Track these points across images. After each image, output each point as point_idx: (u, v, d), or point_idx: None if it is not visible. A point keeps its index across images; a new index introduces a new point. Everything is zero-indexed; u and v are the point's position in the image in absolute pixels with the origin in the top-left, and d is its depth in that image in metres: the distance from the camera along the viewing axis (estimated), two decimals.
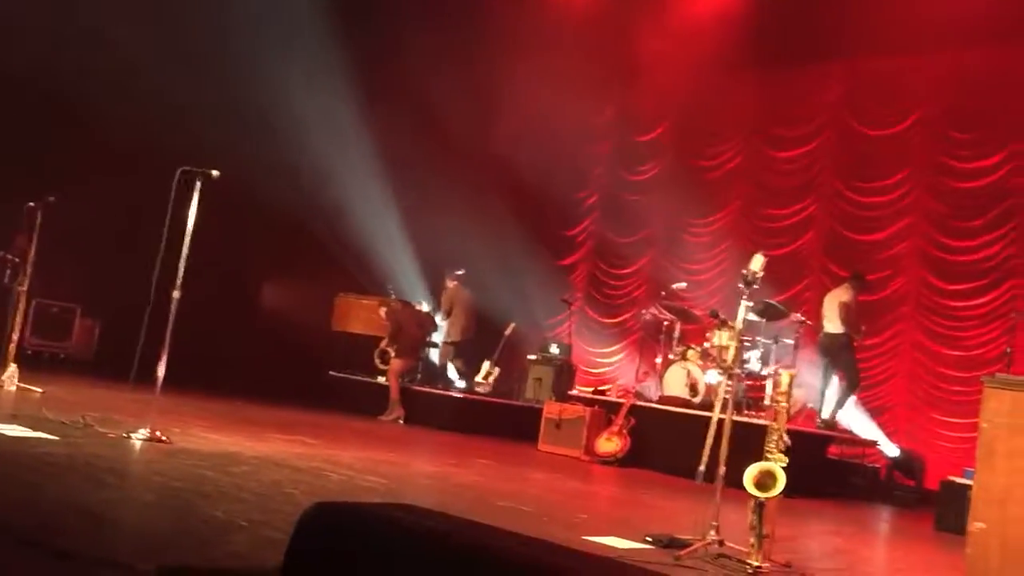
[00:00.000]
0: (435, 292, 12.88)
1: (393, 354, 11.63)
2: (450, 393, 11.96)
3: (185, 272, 6.42)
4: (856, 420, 10.88)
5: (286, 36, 12.41)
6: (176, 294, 6.39)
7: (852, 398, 10.29)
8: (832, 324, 10.14)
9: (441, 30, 12.68)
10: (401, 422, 11.09)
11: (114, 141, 11.36)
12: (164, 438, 6.03)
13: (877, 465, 10.55)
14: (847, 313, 10.05)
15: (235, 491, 4.69)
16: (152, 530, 3.73)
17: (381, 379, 11.94)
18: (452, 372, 13.01)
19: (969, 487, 4.88)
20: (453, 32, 12.63)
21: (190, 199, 6.45)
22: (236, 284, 13.21)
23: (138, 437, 5.92)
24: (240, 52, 11.98)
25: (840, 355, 10.17)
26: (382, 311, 11.84)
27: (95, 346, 13.16)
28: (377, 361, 11.96)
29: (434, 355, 12.93)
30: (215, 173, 6.44)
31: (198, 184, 6.42)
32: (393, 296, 12.33)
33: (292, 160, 12.95)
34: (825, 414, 10.07)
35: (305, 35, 12.45)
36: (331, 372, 12.34)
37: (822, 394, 10.23)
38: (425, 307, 12.69)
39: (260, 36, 12.21)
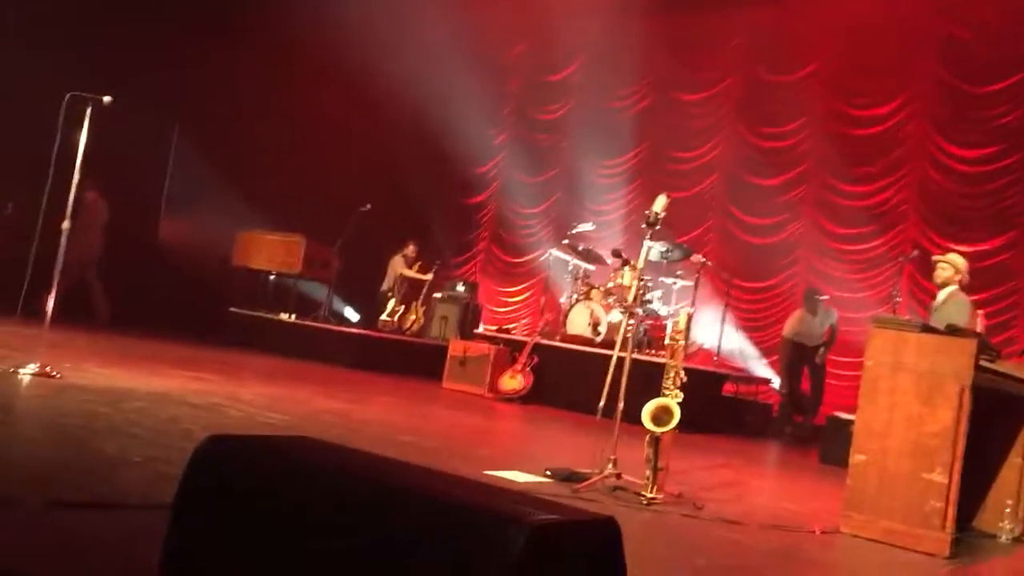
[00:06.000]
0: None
1: None
2: (354, 330, 11.89)
3: (76, 202, 6.17)
4: (748, 357, 11.29)
5: None
6: (66, 225, 6.14)
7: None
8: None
9: None
10: None
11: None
12: (54, 373, 5.83)
13: (770, 402, 10.98)
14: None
15: (129, 427, 4.58)
16: (41, 465, 3.62)
17: (284, 316, 11.76)
18: (349, 311, 12.98)
19: (852, 422, 5.11)
20: None
21: (80, 126, 6.16)
22: (132, 216, 12.72)
23: (26, 372, 5.71)
24: None
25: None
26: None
27: None
28: None
29: (316, 289, 12.75)
30: (107, 99, 6.15)
31: (88, 111, 6.13)
32: (367, 207, 11.91)
33: (196, 90, 12.49)
34: None
35: None
36: (232, 308, 12.09)
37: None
38: None
39: None
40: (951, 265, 7.01)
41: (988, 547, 5.22)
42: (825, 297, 10.40)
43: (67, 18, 10.97)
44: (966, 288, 7.07)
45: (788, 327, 10.40)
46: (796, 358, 10.29)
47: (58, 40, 10.94)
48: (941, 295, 7.06)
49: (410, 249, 12.65)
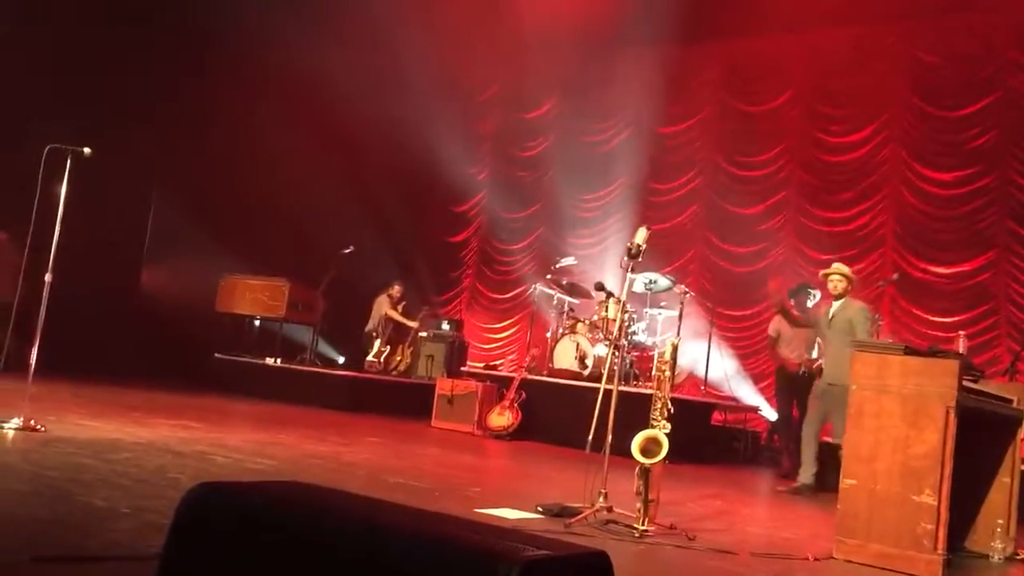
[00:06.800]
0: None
1: None
2: (340, 373, 11.84)
3: (58, 254, 6.16)
4: (738, 386, 11.30)
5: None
6: (48, 277, 6.13)
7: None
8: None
9: (324, 8, 12.41)
10: None
11: None
12: (39, 427, 5.79)
13: (758, 430, 10.97)
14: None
15: (116, 478, 4.55)
16: (27, 520, 3.58)
17: (269, 360, 11.75)
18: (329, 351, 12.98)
19: (841, 447, 5.13)
20: (337, 12, 12.36)
21: (60, 178, 6.18)
22: (114, 265, 12.70)
23: (10, 427, 5.67)
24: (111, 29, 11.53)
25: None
26: None
27: None
28: None
29: (300, 332, 12.73)
30: (87, 151, 6.18)
31: (68, 162, 6.15)
32: (350, 248, 11.92)
33: (174, 137, 12.54)
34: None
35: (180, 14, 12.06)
36: (216, 354, 12.04)
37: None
38: None
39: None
40: (843, 276, 7.62)
41: (981, 567, 5.23)
42: (816, 293, 9.57)
43: (46, 71, 11.02)
44: (855, 295, 7.70)
45: (772, 325, 9.96)
46: (785, 382, 9.57)
47: (37, 93, 10.98)
48: (836, 304, 7.62)
49: (395, 289, 12.64)
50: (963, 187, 10.83)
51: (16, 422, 5.72)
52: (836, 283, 7.59)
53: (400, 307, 12.66)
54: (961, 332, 8.00)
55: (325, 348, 13.23)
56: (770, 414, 10.87)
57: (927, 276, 10.85)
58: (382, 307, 12.56)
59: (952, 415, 4.63)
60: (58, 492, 4.12)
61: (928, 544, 4.58)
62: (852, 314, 7.51)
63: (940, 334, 10.14)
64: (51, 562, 2.98)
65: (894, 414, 4.79)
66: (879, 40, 11.52)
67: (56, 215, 6.15)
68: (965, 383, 4.79)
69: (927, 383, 4.72)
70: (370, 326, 12.55)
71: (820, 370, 9.23)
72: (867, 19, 11.32)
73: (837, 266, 7.83)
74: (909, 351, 4.93)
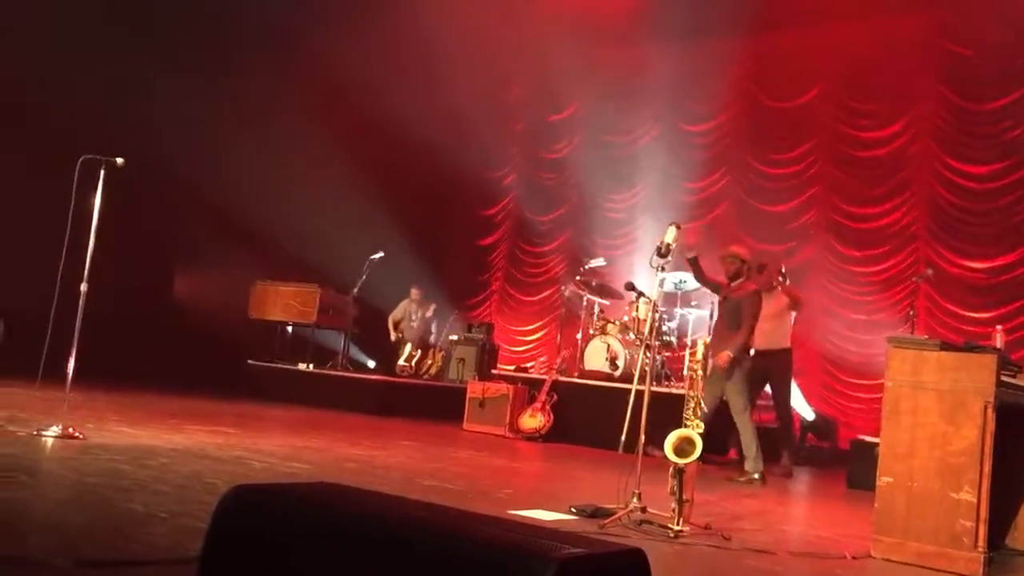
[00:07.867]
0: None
1: None
2: (372, 377, 11.90)
3: (92, 263, 6.24)
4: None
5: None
6: (84, 287, 6.21)
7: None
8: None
9: (350, 11, 12.49)
10: None
11: (13, 130, 10.95)
12: (77, 434, 5.86)
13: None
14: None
15: (153, 483, 4.60)
16: (68, 526, 3.64)
17: (302, 366, 11.84)
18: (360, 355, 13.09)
19: (877, 445, 5.07)
20: (362, 15, 12.44)
21: (94, 188, 6.26)
22: (148, 274, 12.86)
23: (49, 434, 5.75)
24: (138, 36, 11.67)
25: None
26: None
27: None
28: None
29: (332, 338, 12.82)
30: (119, 161, 6.25)
31: (102, 173, 6.23)
32: (380, 254, 12.07)
33: (203, 146, 12.67)
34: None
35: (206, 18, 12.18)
36: (250, 361, 12.14)
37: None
38: None
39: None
40: (737, 257, 7.74)
41: (1022, 565, 5.15)
42: (786, 282, 8.95)
43: (75, 76, 11.16)
44: (751, 276, 7.84)
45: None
46: (760, 372, 8.36)
47: (65, 101, 11.14)
48: (733, 284, 7.72)
49: (414, 293, 12.67)
50: (997, 181, 10.68)
51: (55, 430, 5.80)
52: (729, 264, 7.70)
53: (431, 309, 12.73)
54: (998, 327, 7.88)
55: (356, 353, 13.31)
56: (807, 413, 10.77)
57: (962, 271, 10.72)
58: (398, 314, 12.66)
59: (990, 411, 4.56)
60: (98, 498, 4.17)
61: (968, 542, 4.51)
62: (741, 297, 7.59)
63: (976, 330, 9.99)
64: (93, 567, 3.02)
65: (931, 411, 4.73)
66: (909, 32, 11.39)
67: (90, 224, 6.23)
68: (1003, 378, 4.72)
69: (964, 379, 4.66)
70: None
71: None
72: (897, 11, 11.21)
73: (735, 247, 8.01)
74: (945, 347, 4.87)
